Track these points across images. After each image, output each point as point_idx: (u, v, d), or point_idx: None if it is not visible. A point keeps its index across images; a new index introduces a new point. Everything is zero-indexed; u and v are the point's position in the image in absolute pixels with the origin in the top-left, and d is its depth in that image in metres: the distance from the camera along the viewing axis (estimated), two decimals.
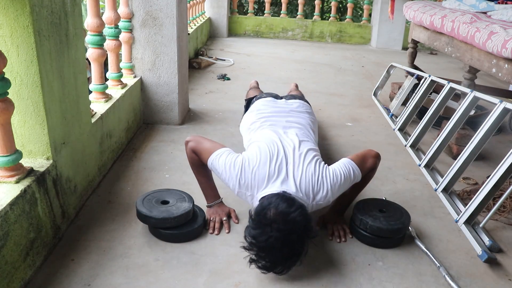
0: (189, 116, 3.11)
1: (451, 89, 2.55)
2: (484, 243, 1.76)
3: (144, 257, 1.58)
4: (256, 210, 1.47)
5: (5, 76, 1.30)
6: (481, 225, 1.85)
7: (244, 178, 1.61)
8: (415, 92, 2.99)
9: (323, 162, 1.70)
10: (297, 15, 7.30)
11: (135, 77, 2.75)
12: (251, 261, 1.45)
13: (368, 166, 1.75)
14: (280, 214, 1.41)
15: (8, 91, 1.32)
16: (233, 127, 2.86)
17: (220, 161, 1.65)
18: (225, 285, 1.47)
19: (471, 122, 2.75)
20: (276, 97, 2.28)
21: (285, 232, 1.38)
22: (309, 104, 2.31)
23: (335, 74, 4.79)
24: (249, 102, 2.38)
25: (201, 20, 5.97)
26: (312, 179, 1.61)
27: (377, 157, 1.79)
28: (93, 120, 1.99)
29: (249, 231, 1.45)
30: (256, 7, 10.06)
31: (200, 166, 1.79)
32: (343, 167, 1.67)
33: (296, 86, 3.11)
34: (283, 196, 1.49)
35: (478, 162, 2.50)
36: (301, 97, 2.42)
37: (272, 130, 1.84)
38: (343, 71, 5.00)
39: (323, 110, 3.42)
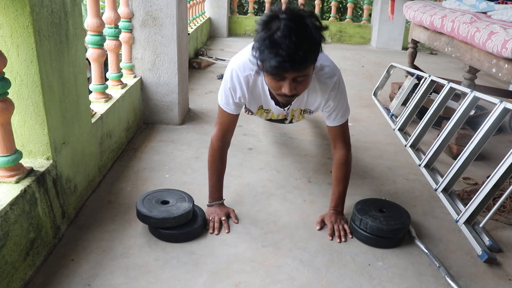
0: (189, 116, 3.11)
1: (451, 89, 2.55)
2: (484, 243, 1.77)
3: (144, 257, 1.58)
4: (261, 16, 1.38)
5: (5, 76, 1.30)
6: (481, 225, 1.85)
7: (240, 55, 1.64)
8: (415, 92, 2.99)
9: None
10: None
11: (135, 77, 2.75)
12: (261, 61, 1.36)
13: (347, 137, 1.81)
14: (286, 8, 1.32)
15: (8, 91, 1.32)
16: None
17: (220, 90, 1.74)
18: (225, 285, 1.47)
19: (471, 122, 2.75)
20: None
21: (294, 19, 1.28)
22: None
23: None
24: None
25: (201, 20, 5.97)
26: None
27: (350, 148, 1.84)
28: (93, 120, 1.99)
29: (256, 35, 1.35)
30: (256, 7, 10.06)
31: (218, 161, 1.82)
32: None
33: None
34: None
35: (478, 162, 2.50)
36: None
37: None
38: (343, 71, 4.96)
39: None
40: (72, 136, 1.73)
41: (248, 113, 2.03)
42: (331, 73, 1.65)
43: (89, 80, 2.11)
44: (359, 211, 1.78)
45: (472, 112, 2.58)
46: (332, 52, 6.12)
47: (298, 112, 1.82)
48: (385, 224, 1.71)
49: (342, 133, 1.80)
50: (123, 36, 2.64)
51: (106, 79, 2.43)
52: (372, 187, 2.21)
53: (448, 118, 2.43)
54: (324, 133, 2.94)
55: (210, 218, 1.79)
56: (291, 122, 1.96)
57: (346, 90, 1.74)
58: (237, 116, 1.80)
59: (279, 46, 1.28)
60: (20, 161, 1.44)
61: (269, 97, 1.69)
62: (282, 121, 1.97)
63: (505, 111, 1.99)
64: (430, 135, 2.82)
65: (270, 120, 1.97)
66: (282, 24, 1.28)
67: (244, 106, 1.81)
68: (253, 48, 1.38)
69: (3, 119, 1.33)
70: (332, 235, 1.77)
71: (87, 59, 2.03)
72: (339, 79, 1.69)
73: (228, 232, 1.76)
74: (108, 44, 2.42)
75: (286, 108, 1.75)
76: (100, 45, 2.14)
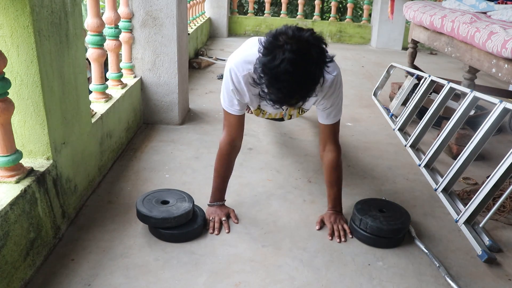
0: (189, 116, 3.11)
1: (451, 89, 2.55)
2: (484, 243, 1.77)
3: (144, 257, 1.58)
4: (266, 36, 1.36)
5: (5, 76, 1.30)
6: (481, 225, 1.85)
7: (240, 50, 1.62)
8: (415, 92, 2.99)
9: None
10: (297, 15, 7.29)
11: (135, 77, 2.75)
12: (263, 95, 1.36)
13: (337, 139, 1.79)
14: (293, 37, 1.31)
15: (8, 91, 1.33)
16: None
17: (221, 92, 1.68)
18: (225, 285, 1.47)
19: (471, 122, 2.75)
20: None
21: (299, 53, 1.28)
22: None
23: None
24: None
25: (201, 20, 5.97)
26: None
27: (340, 150, 1.83)
28: (93, 120, 1.99)
29: (259, 59, 1.34)
30: (256, 7, 10.07)
31: (225, 166, 1.80)
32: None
33: None
34: (292, 25, 1.39)
35: (478, 162, 2.50)
36: None
37: None
38: (343, 71, 4.97)
39: None
40: (72, 136, 1.73)
41: (248, 111, 2.01)
42: (331, 70, 1.57)
43: (89, 80, 2.11)
44: (359, 211, 1.78)
45: (472, 112, 2.59)
46: (332, 52, 6.11)
47: (296, 111, 1.81)
48: (385, 224, 1.71)
49: (334, 132, 1.78)
50: (123, 36, 2.64)
51: (106, 79, 2.43)
52: (372, 187, 2.21)
53: (448, 118, 2.43)
54: None
55: (210, 218, 1.79)
56: (290, 119, 1.94)
57: (343, 91, 1.71)
58: (243, 116, 1.76)
59: (280, 84, 1.30)
60: (20, 161, 1.44)
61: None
62: (281, 119, 1.96)
63: (505, 111, 1.99)
64: (430, 135, 2.82)
65: (269, 118, 1.96)
66: (286, 60, 1.27)
67: None
68: (255, 70, 1.36)
69: (3, 119, 1.33)
70: (332, 235, 1.77)
71: (87, 59, 2.04)
72: (338, 77, 1.66)
73: (228, 232, 1.76)
74: (108, 44, 2.42)
75: (283, 108, 1.74)
76: (100, 45, 2.14)
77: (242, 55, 1.62)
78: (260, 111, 1.81)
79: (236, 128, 1.76)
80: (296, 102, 1.35)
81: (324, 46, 1.36)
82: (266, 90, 1.34)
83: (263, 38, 1.38)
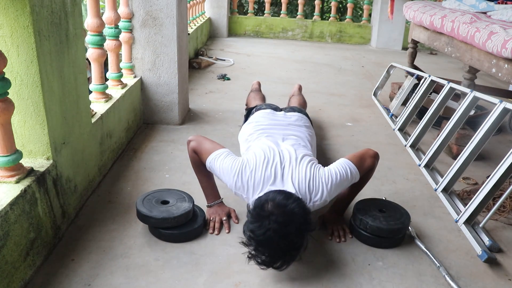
0: (189, 116, 3.11)
1: (451, 89, 2.55)
2: (484, 243, 1.77)
3: (144, 257, 1.58)
4: (254, 204, 1.49)
5: (5, 76, 1.30)
6: (481, 225, 1.85)
7: (240, 181, 1.63)
8: (415, 92, 2.99)
9: (319, 165, 1.70)
10: (297, 15, 7.29)
11: (135, 77, 2.75)
12: (250, 256, 1.44)
13: (367, 165, 1.74)
14: (278, 206, 1.42)
15: (8, 91, 1.33)
16: (233, 127, 2.86)
17: (218, 163, 1.67)
18: (225, 285, 1.47)
19: (471, 122, 2.75)
20: (276, 109, 2.26)
21: (283, 224, 1.38)
22: (308, 117, 2.30)
23: (335, 74, 4.79)
24: (249, 112, 2.37)
25: (201, 20, 5.97)
26: (308, 180, 1.61)
27: (375, 157, 1.78)
28: (93, 120, 2.00)
29: (247, 225, 1.45)
30: (256, 7, 10.07)
31: (201, 165, 1.80)
32: (340, 166, 1.67)
33: (300, 87, 3.10)
34: (280, 191, 1.51)
35: (478, 162, 2.50)
36: (300, 109, 2.37)
37: (269, 139, 1.85)
38: (343, 71, 5.00)
39: (323, 110, 3.42)
40: (72, 136, 1.73)
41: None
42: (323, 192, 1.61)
43: (89, 80, 2.11)
44: (359, 211, 1.78)
45: (472, 112, 2.59)
46: (332, 52, 6.13)
47: None
48: (385, 224, 1.71)
49: (364, 170, 1.73)
50: (123, 36, 2.64)
51: (106, 79, 2.43)
52: (372, 187, 2.21)
53: (448, 118, 2.43)
54: (324, 133, 2.94)
55: (211, 218, 1.79)
56: None
57: (333, 178, 1.63)
58: None
59: (265, 250, 1.41)
60: (20, 161, 1.44)
61: None
62: None
63: (505, 111, 1.99)
64: (430, 135, 2.82)
65: None
66: (271, 230, 1.37)
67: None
68: (244, 229, 1.47)
69: (3, 119, 1.33)
70: (332, 235, 1.77)
71: (87, 59, 2.04)
72: (326, 197, 1.63)
73: (229, 232, 1.76)
74: (108, 44, 2.42)
75: None
76: (100, 45, 2.14)
77: (246, 178, 1.62)
78: None
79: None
80: (280, 266, 1.44)
81: (308, 215, 1.46)
82: (253, 252, 1.43)
83: (251, 203, 1.54)
